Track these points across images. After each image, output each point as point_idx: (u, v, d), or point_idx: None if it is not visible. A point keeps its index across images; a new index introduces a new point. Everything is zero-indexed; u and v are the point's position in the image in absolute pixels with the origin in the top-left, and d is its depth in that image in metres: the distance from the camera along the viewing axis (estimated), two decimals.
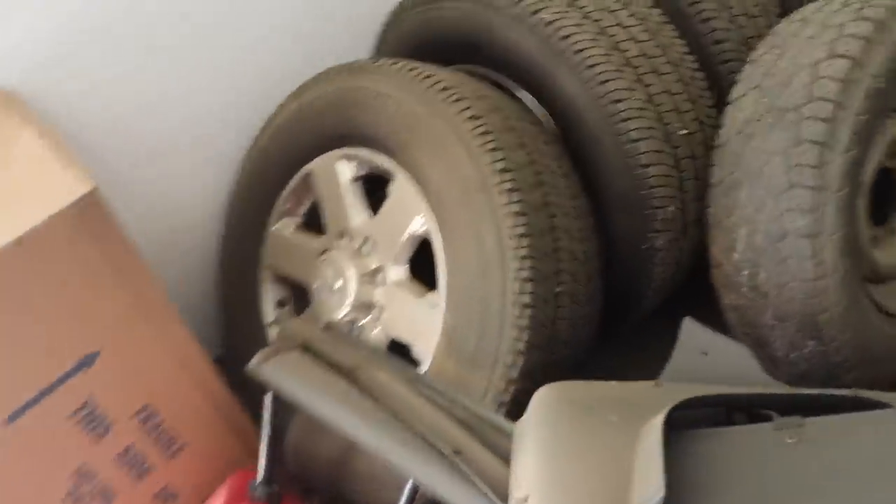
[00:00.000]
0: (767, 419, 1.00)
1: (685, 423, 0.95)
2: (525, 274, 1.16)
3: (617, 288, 1.36)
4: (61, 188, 1.09)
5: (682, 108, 1.32)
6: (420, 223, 1.30)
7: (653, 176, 1.28)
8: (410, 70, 1.32)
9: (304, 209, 1.54)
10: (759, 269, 1.27)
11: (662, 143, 1.29)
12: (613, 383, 1.06)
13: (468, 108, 1.24)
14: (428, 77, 1.29)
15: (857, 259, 1.28)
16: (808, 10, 1.34)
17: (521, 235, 1.17)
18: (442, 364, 1.24)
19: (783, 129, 1.23)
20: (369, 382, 1.21)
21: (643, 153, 1.27)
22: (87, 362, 1.18)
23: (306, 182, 1.50)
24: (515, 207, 1.18)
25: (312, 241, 1.49)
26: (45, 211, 1.06)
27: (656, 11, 1.36)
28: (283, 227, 1.54)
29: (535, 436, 0.99)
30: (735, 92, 1.32)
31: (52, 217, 1.06)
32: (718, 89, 1.39)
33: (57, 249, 1.08)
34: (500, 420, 1.12)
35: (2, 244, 1.03)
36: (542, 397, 1.04)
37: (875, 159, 1.31)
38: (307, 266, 1.48)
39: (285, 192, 1.52)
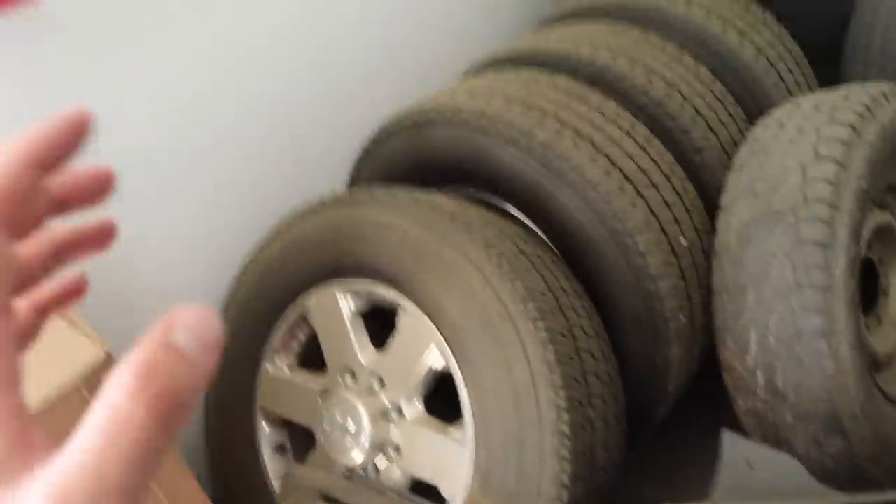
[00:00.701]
0: None
1: None
2: (561, 402, 1.13)
3: (631, 403, 1.34)
4: (70, 351, 1.00)
5: (680, 217, 1.34)
6: (436, 356, 1.25)
7: (663, 288, 1.29)
8: (410, 198, 1.30)
9: (298, 345, 1.47)
10: (776, 371, 1.28)
11: (668, 254, 1.30)
12: None
13: (478, 234, 1.22)
14: (431, 204, 1.28)
15: (864, 351, 1.31)
16: (779, 114, 1.41)
17: (552, 363, 1.14)
18: (479, 503, 1.18)
19: (782, 231, 1.27)
20: None
21: (651, 266, 1.28)
22: None
23: (301, 317, 1.44)
24: (543, 335, 1.15)
25: (313, 381, 1.42)
26: (54, 379, 0.97)
27: (641, 127, 1.40)
28: (278, 368, 1.46)
29: None
30: (726, 197, 1.35)
31: (62, 386, 0.97)
32: (704, 197, 1.42)
33: (71, 423, 0.98)
34: None
35: None
36: None
37: (862, 252, 1.36)
38: (309, 407, 1.40)
39: (277, 330, 1.45)
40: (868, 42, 1.78)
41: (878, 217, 1.42)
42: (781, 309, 1.26)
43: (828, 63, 1.79)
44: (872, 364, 1.38)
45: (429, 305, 1.25)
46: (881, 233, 1.44)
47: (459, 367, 1.22)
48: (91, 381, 0.99)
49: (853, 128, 1.31)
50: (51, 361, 0.99)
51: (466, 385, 1.21)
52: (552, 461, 1.13)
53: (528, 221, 1.39)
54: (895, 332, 1.51)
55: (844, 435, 1.26)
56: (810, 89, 1.65)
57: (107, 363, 1.00)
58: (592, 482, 1.17)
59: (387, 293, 1.31)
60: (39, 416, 0.93)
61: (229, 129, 1.51)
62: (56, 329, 1.03)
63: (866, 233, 1.38)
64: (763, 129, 1.40)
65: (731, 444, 1.14)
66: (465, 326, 1.20)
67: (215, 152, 1.50)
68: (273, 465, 1.46)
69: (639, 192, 1.30)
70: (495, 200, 1.41)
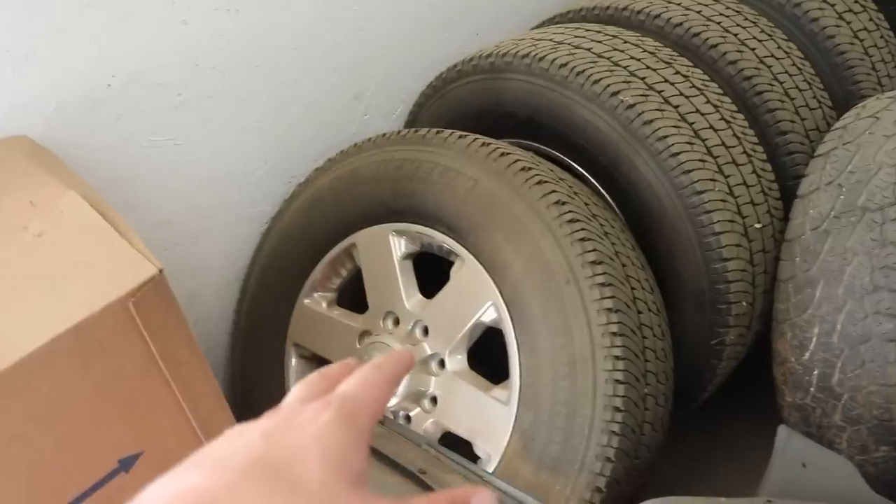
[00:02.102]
0: None
1: None
2: (618, 375, 1.09)
3: (679, 383, 1.30)
4: (120, 267, 0.95)
5: (756, 200, 1.28)
6: (490, 312, 1.20)
7: (731, 270, 1.23)
8: (484, 146, 1.23)
9: (339, 281, 1.42)
10: (833, 371, 1.24)
11: (741, 236, 1.24)
12: (723, 500, 0.99)
13: (552, 192, 1.16)
14: (505, 155, 1.21)
15: None
16: (874, 106, 1.34)
17: (615, 334, 1.09)
18: (515, 466, 1.14)
19: (866, 228, 1.21)
20: (440, 486, 1.10)
21: (724, 247, 1.22)
22: (124, 466, 1.02)
23: (347, 255, 1.39)
24: (608, 303, 1.10)
25: (351, 320, 1.37)
26: (104, 294, 0.92)
27: (727, 100, 1.33)
28: (316, 302, 1.42)
29: None
30: (806, 185, 1.29)
31: (111, 303, 0.92)
32: (781, 182, 1.36)
33: (112, 339, 0.94)
34: None
35: (54, 333, 0.88)
36: None
37: None
38: (345, 346, 1.36)
39: (320, 265, 1.40)
40: None
41: None
42: (852, 308, 1.21)
43: None
44: None
45: (491, 260, 1.20)
46: None
47: (515, 328, 1.17)
48: (140, 299, 0.94)
49: None
50: (102, 274, 0.94)
51: (519, 346, 1.16)
52: (601, 435, 1.08)
53: (597, 185, 1.33)
54: None
55: (894, 443, 1.23)
56: None
57: (158, 282, 0.95)
58: (636, 459, 1.13)
59: (445, 241, 1.26)
60: (81, 326, 0.89)
61: (286, 53, 1.43)
62: (111, 243, 0.98)
63: None
64: (854, 120, 1.33)
65: (788, 442, 1.10)
66: (528, 287, 1.15)
67: (272, 79, 1.43)
68: None
69: (720, 169, 1.24)
70: (566, 159, 1.35)
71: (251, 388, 1.47)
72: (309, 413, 0.48)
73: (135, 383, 0.99)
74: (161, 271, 0.95)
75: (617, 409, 1.09)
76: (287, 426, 0.46)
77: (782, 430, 1.12)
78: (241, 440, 0.46)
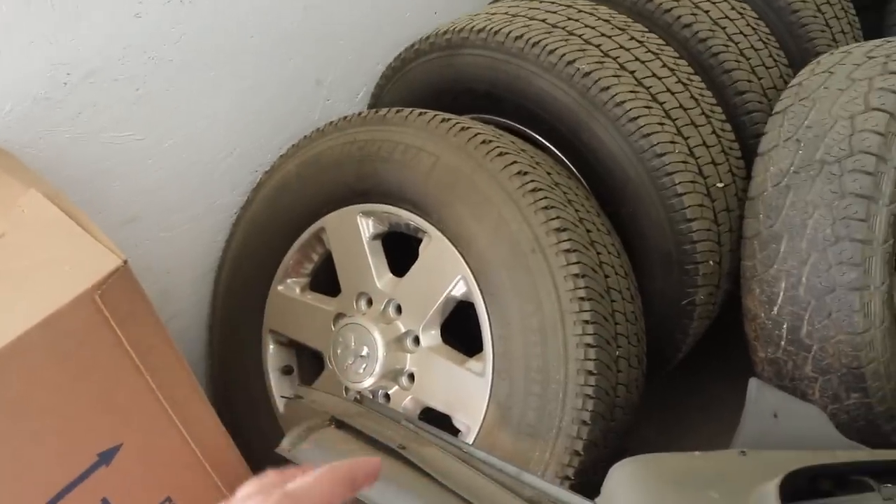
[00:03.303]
0: (860, 485, 0.97)
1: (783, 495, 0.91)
2: (589, 339, 1.10)
3: (652, 345, 1.32)
4: (85, 261, 0.95)
5: (717, 160, 1.30)
6: (460, 286, 1.21)
7: (696, 230, 1.25)
8: (444, 121, 1.24)
9: (311, 266, 1.43)
10: (802, 323, 1.26)
11: (704, 196, 1.26)
12: (697, 454, 1.01)
13: (514, 162, 1.17)
14: (465, 129, 1.22)
15: (893, 309, 1.28)
16: (828, 61, 1.36)
17: (582, 298, 1.11)
18: (494, 435, 1.16)
19: (825, 181, 1.23)
20: (421, 461, 1.11)
21: (687, 207, 1.24)
22: (104, 460, 1.03)
23: (317, 239, 1.39)
24: (575, 269, 1.12)
25: (325, 304, 1.38)
26: (70, 288, 0.92)
27: (683, 63, 1.34)
28: (290, 288, 1.42)
29: None
30: (765, 143, 1.31)
31: (78, 296, 0.92)
32: (742, 140, 1.38)
33: (81, 332, 0.94)
34: (574, 498, 1.04)
35: (23, 329, 0.89)
36: (629, 474, 0.97)
37: None
38: (320, 330, 1.37)
39: (291, 251, 1.40)
40: None
41: None
42: (816, 260, 1.23)
43: (872, 10, 1.73)
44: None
45: (457, 234, 1.21)
46: None
47: (484, 299, 1.18)
48: (106, 290, 0.94)
49: None
50: (67, 269, 0.94)
51: (490, 317, 1.18)
52: (575, 399, 1.10)
53: (559, 154, 1.34)
54: None
55: (865, 392, 1.25)
56: (855, 39, 1.59)
57: (123, 273, 0.95)
58: (612, 421, 1.15)
59: (411, 219, 1.27)
60: (49, 321, 0.89)
61: (245, 41, 1.43)
62: (74, 238, 0.98)
63: None
64: (810, 76, 1.35)
65: (760, 394, 1.12)
66: (494, 257, 1.16)
67: (233, 69, 1.43)
68: (278, 386, 1.43)
69: (679, 131, 1.25)
70: (527, 130, 1.36)
71: (231, 377, 1.48)
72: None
73: (108, 375, 0.99)
74: (126, 262, 0.95)
75: (589, 373, 1.10)
76: None
77: (753, 383, 1.14)
78: None
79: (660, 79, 1.28)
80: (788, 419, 1.12)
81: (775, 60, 1.46)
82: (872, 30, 1.69)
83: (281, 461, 1.17)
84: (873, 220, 1.20)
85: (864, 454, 1.04)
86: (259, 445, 1.29)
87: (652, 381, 1.42)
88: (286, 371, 1.44)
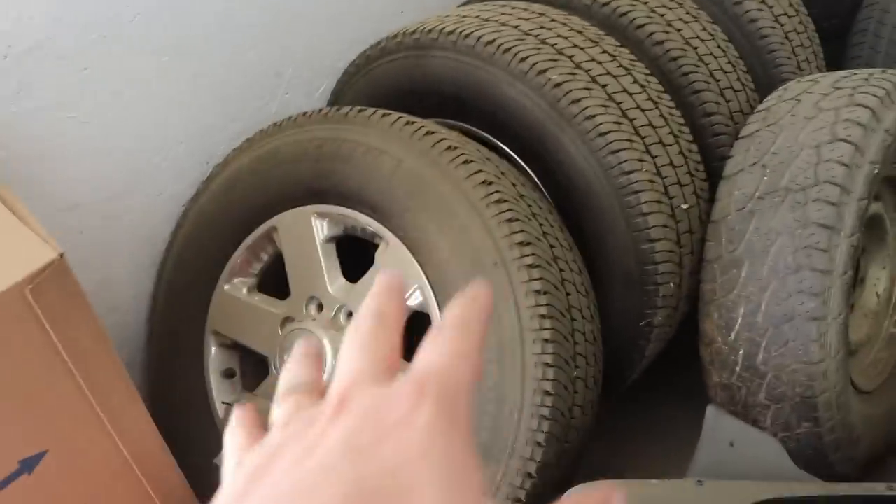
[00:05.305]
0: None
1: None
2: (548, 359, 1.07)
3: (607, 366, 1.29)
4: (17, 252, 0.88)
5: (683, 181, 1.28)
6: (416, 296, 1.17)
7: (659, 251, 1.23)
8: (408, 124, 1.20)
9: (260, 268, 1.37)
10: (758, 350, 1.25)
11: (668, 217, 1.24)
12: (654, 482, 0.99)
13: (479, 171, 1.14)
14: (430, 134, 1.18)
15: (846, 339, 1.29)
16: (796, 88, 1.35)
17: (543, 316, 1.08)
18: None
19: (789, 209, 1.22)
20: None
21: (652, 227, 1.22)
22: (26, 467, 0.96)
23: (268, 239, 1.33)
24: (537, 285, 1.08)
25: (273, 306, 1.32)
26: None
27: (654, 80, 1.32)
28: (236, 288, 1.36)
29: None
30: (731, 167, 1.30)
31: (5, 291, 0.85)
32: (707, 163, 1.37)
33: (7, 331, 0.87)
34: None
35: None
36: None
37: None
38: (267, 334, 1.31)
39: (240, 249, 1.34)
40: (878, 27, 1.74)
41: (872, 206, 1.39)
42: (776, 288, 1.22)
43: (834, 41, 1.74)
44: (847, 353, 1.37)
45: (416, 242, 1.16)
46: (870, 222, 1.42)
47: (441, 312, 1.14)
48: (39, 286, 0.87)
49: (873, 112, 1.26)
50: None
51: None
52: (531, 419, 1.07)
53: (524, 165, 1.30)
54: (865, 322, 1.50)
55: (816, 421, 1.25)
56: (819, 69, 1.60)
57: (58, 267, 0.88)
58: (566, 443, 1.12)
59: (369, 223, 1.22)
60: None
61: (203, 27, 1.37)
62: (7, 227, 0.91)
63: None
64: (777, 102, 1.35)
65: (716, 421, 1.11)
66: (454, 269, 1.12)
67: (188, 55, 1.36)
68: (219, 390, 1.37)
69: (647, 149, 1.23)
70: (493, 139, 1.32)
71: (168, 378, 1.40)
72: (400, 407, 0.33)
73: (35, 377, 0.92)
74: (62, 256, 0.88)
75: (547, 393, 1.07)
76: (375, 433, 0.32)
77: (711, 411, 1.13)
78: (312, 461, 0.32)
79: (630, 95, 1.26)
80: (745, 448, 1.10)
81: (743, 84, 1.46)
82: (833, 61, 1.70)
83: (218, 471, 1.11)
84: (834, 251, 1.20)
85: (817, 487, 1.03)
86: (195, 451, 1.23)
87: (604, 402, 1.40)
88: (228, 374, 1.38)
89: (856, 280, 1.47)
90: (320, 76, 1.56)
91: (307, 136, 1.27)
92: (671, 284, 1.27)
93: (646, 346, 1.30)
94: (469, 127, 1.34)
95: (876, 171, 1.24)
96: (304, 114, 1.32)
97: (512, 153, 1.32)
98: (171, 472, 1.11)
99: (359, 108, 1.26)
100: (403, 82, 1.38)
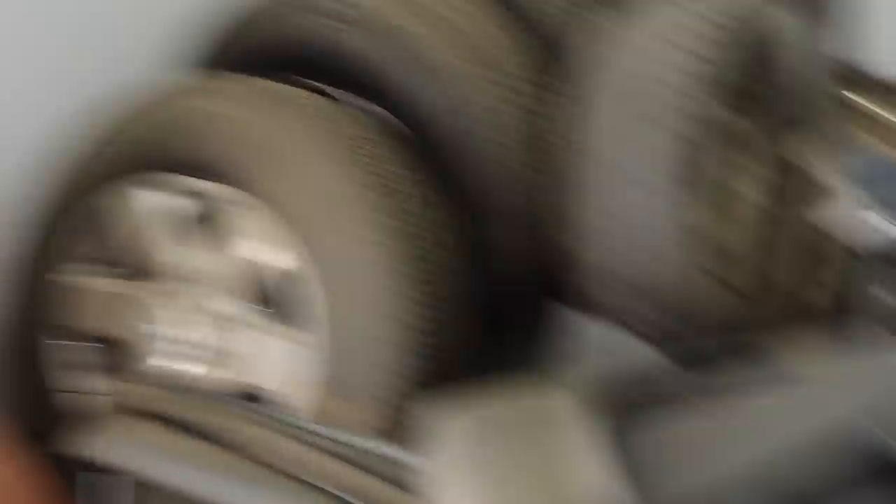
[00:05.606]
0: None
1: None
2: (418, 296, 1.09)
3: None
4: None
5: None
6: (284, 257, 1.15)
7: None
8: (243, 84, 1.21)
9: (103, 250, 1.29)
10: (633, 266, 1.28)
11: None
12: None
13: (328, 122, 1.15)
14: (266, 90, 1.20)
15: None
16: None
17: (412, 259, 1.10)
18: (323, 405, 1.11)
19: (649, 129, 1.25)
20: (241, 442, 1.03)
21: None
22: None
23: (110, 216, 1.27)
24: (402, 229, 1.10)
25: (127, 288, 1.26)
26: None
27: None
28: (77, 274, 1.28)
29: (466, 468, 0.89)
30: (586, 90, 1.32)
31: None
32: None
33: None
34: (401, 454, 1.00)
35: None
36: (455, 427, 0.94)
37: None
38: (118, 316, 1.25)
39: (81, 231, 1.27)
40: None
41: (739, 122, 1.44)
42: (632, 198, 1.25)
43: None
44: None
45: (275, 203, 1.14)
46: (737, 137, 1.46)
47: (308, 268, 1.13)
48: None
49: (728, 29, 1.30)
50: None
51: (315, 286, 1.12)
52: (405, 356, 1.08)
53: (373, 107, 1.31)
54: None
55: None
56: None
57: None
58: (444, 376, 1.12)
59: (223, 191, 1.19)
60: None
61: None
62: None
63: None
64: (629, 26, 1.38)
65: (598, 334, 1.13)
66: (317, 223, 1.12)
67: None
68: (72, 384, 1.29)
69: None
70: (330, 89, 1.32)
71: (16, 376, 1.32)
72: None
73: None
74: None
75: (419, 331, 1.09)
76: None
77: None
78: None
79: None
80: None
81: None
82: None
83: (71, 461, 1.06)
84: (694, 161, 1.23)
85: None
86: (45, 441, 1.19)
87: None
88: (82, 367, 1.29)
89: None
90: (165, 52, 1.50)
91: (153, 104, 1.24)
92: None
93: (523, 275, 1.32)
94: (318, 84, 1.33)
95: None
96: (151, 81, 1.29)
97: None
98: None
99: (204, 75, 1.24)
100: (254, 44, 1.37)
